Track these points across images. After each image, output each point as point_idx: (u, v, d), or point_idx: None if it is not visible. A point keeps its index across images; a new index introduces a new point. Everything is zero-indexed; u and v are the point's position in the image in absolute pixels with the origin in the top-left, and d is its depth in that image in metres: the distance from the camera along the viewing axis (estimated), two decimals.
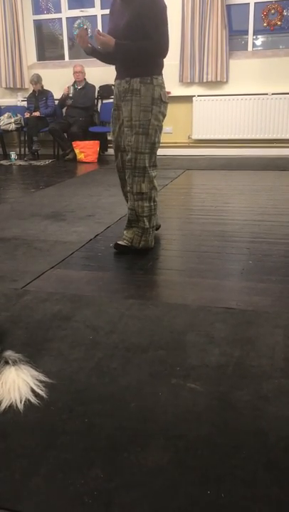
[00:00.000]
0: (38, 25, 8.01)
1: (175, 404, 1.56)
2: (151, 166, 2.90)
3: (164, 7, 2.74)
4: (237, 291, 2.46)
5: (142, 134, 2.80)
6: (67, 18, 7.67)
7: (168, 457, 1.34)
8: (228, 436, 1.42)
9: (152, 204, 2.96)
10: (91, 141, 7.02)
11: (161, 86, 2.82)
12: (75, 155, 7.09)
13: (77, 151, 7.04)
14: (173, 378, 1.70)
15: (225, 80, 6.97)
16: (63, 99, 7.32)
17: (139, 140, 2.81)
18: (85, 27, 2.33)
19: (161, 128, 2.89)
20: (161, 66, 2.84)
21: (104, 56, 2.87)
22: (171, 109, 7.21)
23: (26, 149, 7.61)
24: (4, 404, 1.56)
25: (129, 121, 2.81)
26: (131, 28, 2.68)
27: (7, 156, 7.51)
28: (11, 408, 1.55)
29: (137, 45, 2.70)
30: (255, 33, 7.04)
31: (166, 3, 2.77)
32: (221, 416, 1.51)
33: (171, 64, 7.00)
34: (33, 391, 1.62)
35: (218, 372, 1.73)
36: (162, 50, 2.76)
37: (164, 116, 2.89)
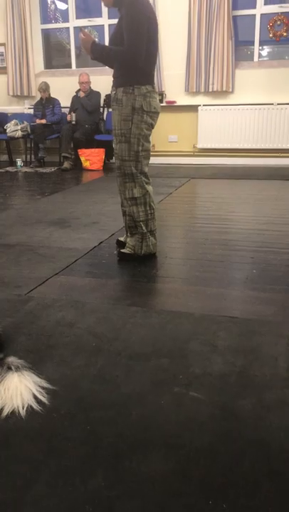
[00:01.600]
0: (46, 34, 8.09)
1: (177, 413, 1.56)
2: (140, 173, 2.91)
3: (142, 17, 2.69)
4: (241, 300, 2.46)
5: (124, 143, 2.84)
6: (74, 27, 7.74)
7: (169, 466, 1.34)
8: (230, 446, 1.41)
9: (148, 209, 2.97)
10: (96, 149, 7.06)
11: (145, 95, 2.78)
12: (71, 164, 7.11)
13: (82, 158, 7.08)
14: (175, 387, 1.70)
15: (230, 89, 7.01)
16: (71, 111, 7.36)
17: (122, 148, 2.86)
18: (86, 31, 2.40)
19: (145, 136, 2.86)
20: (148, 76, 2.80)
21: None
22: (177, 118, 7.36)
23: (32, 156, 7.66)
24: (6, 411, 1.56)
25: (114, 130, 2.88)
26: (115, 35, 2.79)
27: (13, 163, 7.56)
28: (13, 414, 1.55)
29: (113, 50, 2.76)
30: (261, 43, 7.09)
31: (149, 10, 2.77)
32: (223, 425, 1.50)
33: (177, 73, 7.07)
34: (35, 397, 1.62)
35: (221, 381, 1.73)
36: (132, 58, 2.69)
37: (148, 125, 2.85)
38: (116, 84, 2.84)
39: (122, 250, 3.08)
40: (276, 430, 1.47)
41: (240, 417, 1.54)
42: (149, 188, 2.99)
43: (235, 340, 2.02)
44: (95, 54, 2.82)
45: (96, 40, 2.85)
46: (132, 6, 2.69)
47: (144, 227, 2.98)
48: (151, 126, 2.90)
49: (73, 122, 7.19)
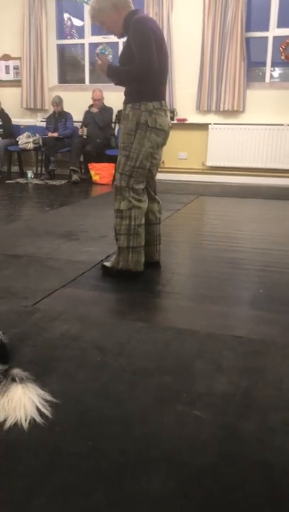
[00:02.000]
0: (61, 49, 8.23)
1: (180, 432, 1.55)
2: (130, 189, 2.89)
3: (150, 30, 2.72)
4: (246, 319, 2.45)
5: (124, 156, 2.87)
6: (90, 43, 7.87)
7: (171, 485, 1.33)
8: (232, 467, 1.40)
9: (132, 223, 2.91)
10: (107, 164, 7.12)
11: (151, 112, 2.80)
12: (79, 177, 7.15)
13: (92, 172, 7.14)
14: (179, 405, 1.69)
15: (241, 109, 7.07)
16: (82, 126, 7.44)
17: (121, 161, 2.89)
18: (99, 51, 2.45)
19: (145, 154, 2.85)
20: (155, 93, 2.82)
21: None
22: (187, 136, 7.42)
23: (43, 168, 7.73)
24: (9, 422, 1.56)
25: (119, 143, 2.92)
26: (123, 55, 2.84)
27: (24, 175, 7.63)
28: (16, 426, 1.55)
29: (126, 68, 2.80)
30: (273, 65, 7.17)
31: (156, 26, 2.79)
32: (225, 446, 1.49)
33: (189, 92, 7.15)
34: (38, 410, 1.61)
35: (225, 401, 1.72)
36: (145, 71, 2.70)
37: (152, 142, 2.84)
38: (126, 101, 2.88)
39: (104, 263, 3.12)
40: (280, 453, 1.46)
41: (244, 438, 1.53)
42: (142, 204, 2.93)
43: (240, 359, 2.01)
44: (111, 74, 2.87)
45: (111, 61, 2.90)
46: (139, 23, 2.73)
47: (123, 241, 2.95)
48: (156, 145, 2.89)
49: (84, 137, 7.26)
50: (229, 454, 1.45)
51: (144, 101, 2.79)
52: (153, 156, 2.94)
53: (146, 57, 2.69)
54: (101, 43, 7.68)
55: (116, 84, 2.92)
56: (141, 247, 2.99)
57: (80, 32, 7.98)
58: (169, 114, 2.98)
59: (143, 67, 2.71)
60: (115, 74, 2.86)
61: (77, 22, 8.04)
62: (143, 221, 2.97)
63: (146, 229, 3.05)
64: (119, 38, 2.99)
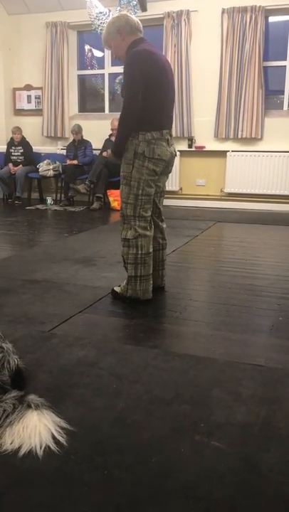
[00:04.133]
0: (82, 79, 8.44)
1: (197, 463, 1.51)
2: (137, 217, 2.92)
3: (137, 77, 2.73)
4: (266, 347, 2.41)
5: (126, 185, 2.91)
6: (109, 73, 8.06)
7: None
8: (251, 501, 1.35)
9: (139, 253, 2.93)
10: None
11: (149, 142, 2.81)
12: (100, 205, 7.23)
13: (111, 199, 7.21)
14: (196, 435, 1.65)
15: (259, 136, 7.11)
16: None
17: (123, 190, 2.93)
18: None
19: (146, 181, 2.87)
20: (155, 123, 2.82)
21: None
22: (205, 163, 7.47)
23: (62, 195, 7.84)
24: (24, 450, 1.54)
25: (120, 172, 2.95)
26: (122, 92, 2.90)
27: (43, 201, 7.74)
28: (30, 454, 1.53)
29: (118, 128, 2.86)
30: None
31: (155, 57, 2.80)
32: (245, 478, 1.44)
33: (207, 120, 7.23)
34: (53, 437, 1.59)
35: (244, 431, 1.68)
36: (126, 117, 2.78)
37: (150, 171, 2.85)
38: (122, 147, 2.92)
39: (114, 288, 3.12)
40: None
41: (263, 470, 1.48)
42: (148, 232, 2.94)
43: (259, 389, 1.97)
44: (116, 148, 2.93)
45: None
46: (130, 58, 2.79)
47: (131, 270, 2.96)
48: (155, 173, 2.89)
49: (109, 158, 7.32)
50: (248, 487, 1.41)
51: (143, 131, 2.81)
52: (155, 183, 2.95)
53: (129, 96, 2.76)
54: (120, 73, 7.84)
55: (125, 140, 2.86)
56: (149, 275, 3.00)
57: (100, 62, 8.19)
58: (172, 143, 2.98)
59: (127, 108, 2.77)
60: (117, 143, 2.90)
61: (97, 53, 8.26)
62: (151, 249, 2.98)
63: None
64: (120, 60, 3.04)
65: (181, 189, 7.62)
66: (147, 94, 2.77)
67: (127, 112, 2.79)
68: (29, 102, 8.46)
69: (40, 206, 7.49)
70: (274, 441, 1.62)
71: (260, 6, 6.77)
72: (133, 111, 2.77)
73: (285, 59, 7.08)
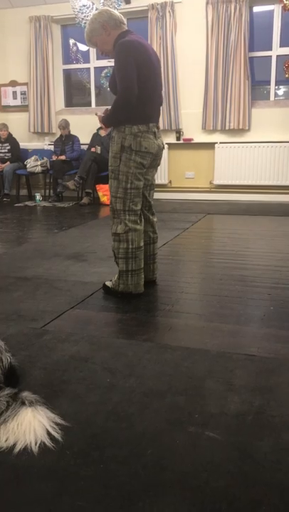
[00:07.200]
0: (67, 74, 8.38)
1: (193, 454, 1.52)
2: (127, 210, 2.91)
3: (129, 54, 2.69)
4: (258, 337, 2.42)
5: (114, 179, 2.89)
6: (95, 67, 8.01)
7: (184, 509, 1.30)
8: (247, 490, 1.36)
9: (130, 247, 2.92)
10: None
11: (136, 135, 2.78)
12: (90, 200, 7.21)
13: (100, 193, 7.19)
14: (191, 426, 1.66)
15: (247, 127, 7.12)
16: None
17: (112, 185, 2.91)
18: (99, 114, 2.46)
19: (134, 175, 2.84)
20: (141, 116, 2.79)
21: None
22: (194, 155, 7.47)
23: (51, 191, 7.80)
24: (19, 447, 1.54)
25: (109, 166, 2.93)
26: (111, 79, 2.85)
27: (32, 197, 7.70)
28: (26, 451, 1.53)
29: (112, 105, 2.79)
30: (277, 83, 7.23)
31: (143, 48, 2.76)
32: (240, 467, 1.45)
33: (194, 112, 7.22)
34: (48, 433, 1.59)
35: (238, 421, 1.69)
36: (125, 101, 2.70)
37: (138, 164, 2.83)
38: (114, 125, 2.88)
39: (106, 282, 3.12)
40: None
41: (258, 459, 1.49)
42: (138, 226, 2.93)
43: (252, 379, 1.98)
44: (108, 122, 2.88)
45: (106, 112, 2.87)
46: (119, 47, 2.74)
47: (122, 265, 2.95)
48: (142, 166, 2.87)
49: (98, 152, 7.30)
50: (243, 476, 1.42)
51: (129, 124, 2.78)
52: (143, 176, 2.94)
53: (125, 84, 2.69)
54: (106, 67, 7.81)
55: (116, 125, 2.84)
56: (140, 269, 2.99)
57: (86, 56, 8.13)
58: (159, 135, 2.96)
59: (124, 96, 2.70)
60: (108, 117, 2.85)
61: (82, 47, 8.20)
62: (141, 243, 2.96)
63: None
64: (107, 55, 2.99)
65: (170, 182, 7.61)
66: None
67: (124, 98, 2.69)
68: (15, 98, 8.39)
69: (29, 203, 7.45)
70: (268, 429, 1.64)
71: None
72: (131, 98, 2.69)
73: (270, 49, 7.08)
